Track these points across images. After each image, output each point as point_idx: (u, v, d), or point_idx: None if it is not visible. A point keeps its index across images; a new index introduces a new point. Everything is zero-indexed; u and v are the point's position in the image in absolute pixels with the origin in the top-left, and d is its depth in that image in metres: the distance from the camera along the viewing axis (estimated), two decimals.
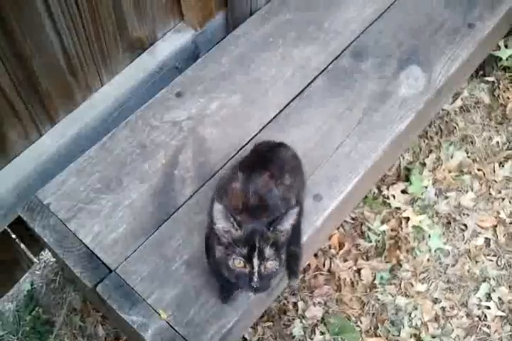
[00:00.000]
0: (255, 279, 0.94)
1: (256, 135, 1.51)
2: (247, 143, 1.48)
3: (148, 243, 1.31)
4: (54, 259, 1.94)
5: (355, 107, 1.57)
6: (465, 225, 2.05)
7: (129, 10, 1.50)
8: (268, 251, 0.95)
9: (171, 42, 1.71)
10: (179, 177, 1.40)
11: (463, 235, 2.03)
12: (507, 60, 2.34)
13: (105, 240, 1.31)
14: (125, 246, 1.30)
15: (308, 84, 1.62)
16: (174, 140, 1.48)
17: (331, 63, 1.66)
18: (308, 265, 1.85)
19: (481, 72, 2.40)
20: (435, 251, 1.97)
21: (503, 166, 2.24)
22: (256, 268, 0.93)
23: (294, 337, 1.78)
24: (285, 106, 1.58)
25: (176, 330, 1.19)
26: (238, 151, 1.45)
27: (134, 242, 1.31)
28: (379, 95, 1.58)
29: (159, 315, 1.20)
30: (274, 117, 1.56)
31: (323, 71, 1.64)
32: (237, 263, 0.94)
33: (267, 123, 1.55)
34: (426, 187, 2.10)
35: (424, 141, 2.27)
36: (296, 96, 1.59)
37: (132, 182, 1.40)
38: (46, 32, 1.28)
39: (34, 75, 1.34)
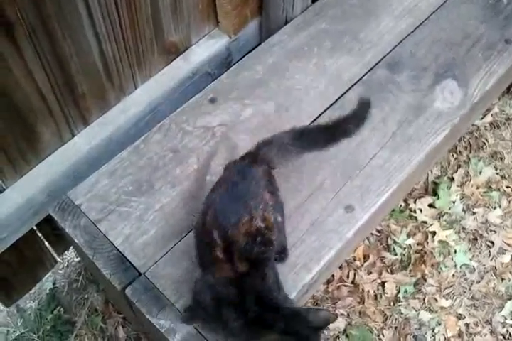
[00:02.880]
0: None
1: None
2: None
3: (178, 247, 1.31)
4: (77, 259, 1.95)
5: (389, 119, 1.56)
6: (492, 242, 2.03)
7: (166, 15, 1.51)
8: None
9: (205, 48, 1.72)
10: (210, 183, 1.40)
11: (489, 252, 2.00)
12: None
13: (135, 243, 1.31)
14: (155, 249, 1.30)
15: (342, 95, 1.61)
16: (207, 145, 1.48)
17: (365, 74, 1.66)
18: (332, 276, 1.84)
19: None
20: (460, 267, 1.94)
21: None
22: None
23: None
24: (318, 116, 1.57)
25: (203, 336, 1.18)
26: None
27: (164, 246, 1.31)
28: (414, 108, 1.57)
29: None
30: None
31: (357, 82, 1.63)
32: None
33: None
34: (453, 202, 2.08)
35: (453, 156, 2.25)
36: (330, 106, 1.59)
37: (164, 186, 1.40)
38: (85, 34, 1.30)
39: (71, 76, 1.35)
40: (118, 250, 1.30)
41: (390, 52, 1.69)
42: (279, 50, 1.69)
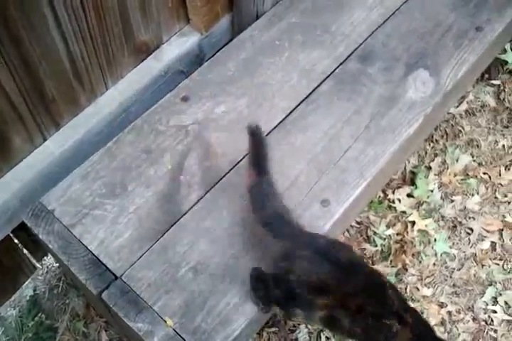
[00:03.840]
0: None
1: None
2: None
3: (154, 249, 1.30)
4: (57, 265, 1.92)
5: (362, 111, 1.56)
6: (471, 229, 2.04)
7: (135, 14, 1.49)
8: None
9: (177, 46, 1.70)
10: (185, 183, 1.39)
11: (469, 239, 2.02)
12: None
13: (110, 246, 1.29)
14: (131, 252, 1.28)
15: (315, 89, 1.60)
16: (180, 145, 1.46)
17: (337, 67, 1.65)
18: None
19: (487, 76, 2.38)
20: (441, 255, 1.95)
21: (508, 170, 2.23)
22: None
23: None
24: (292, 111, 1.56)
25: (182, 338, 1.18)
26: (244, 156, 1.44)
27: (140, 248, 1.29)
28: (386, 99, 1.57)
29: (165, 322, 1.18)
30: (281, 121, 1.55)
31: (329, 75, 1.62)
32: None
33: (274, 128, 1.54)
34: (431, 191, 2.09)
35: (430, 145, 2.26)
36: (303, 100, 1.58)
37: (138, 188, 1.38)
38: (52, 37, 1.27)
39: (39, 80, 1.32)
40: (93, 254, 1.28)
41: (361, 43, 1.69)
42: (251, 46, 1.67)
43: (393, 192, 2.04)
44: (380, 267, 1.87)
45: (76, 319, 1.83)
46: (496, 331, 1.83)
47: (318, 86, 1.61)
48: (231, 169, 1.42)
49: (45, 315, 1.85)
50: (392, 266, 1.89)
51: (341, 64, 1.66)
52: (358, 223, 1.96)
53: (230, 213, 1.35)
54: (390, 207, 2.02)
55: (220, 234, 1.32)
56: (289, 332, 1.81)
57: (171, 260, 1.27)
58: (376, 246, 1.92)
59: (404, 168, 2.16)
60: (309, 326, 1.80)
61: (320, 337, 1.78)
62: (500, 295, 1.90)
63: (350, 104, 1.56)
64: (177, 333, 1.18)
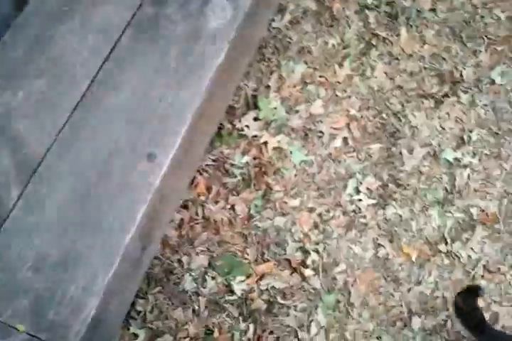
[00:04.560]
0: None
1: (72, 114, 1.48)
2: (64, 125, 1.45)
3: None
4: None
5: (168, 55, 1.54)
6: (321, 132, 2.16)
7: None
8: None
9: None
10: (1, 183, 1.36)
11: (321, 141, 2.14)
12: None
13: None
14: None
15: (115, 46, 1.56)
16: None
17: (132, 17, 1.61)
18: (182, 220, 1.90)
19: None
20: (300, 165, 2.07)
21: (342, 66, 2.33)
22: None
23: (187, 291, 1.86)
24: (96, 73, 1.53)
25: (38, 338, 1.19)
26: (57, 135, 1.42)
27: None
28: (189, 36, 1.55)
29: (17, 330, 1.18)
30: (87, 90, 1.52)
31: (127, 26, 1.58)
32: None
33: (81, 99, 1.51)
34: (275, 108, 2.16)
35: (264, 64, 2.30)
36: (105, 59, 1.55)
37: None
38: None
39: None
40: None
41: None
42: (38, 18, 1.59)
43: (240, 121, 2.10)
44: (244, 195, 1.96)
45: None
46: (364, 217, 2.01)
47: (118, 40, 1.58)
48: (45, 154, 1.40)
49: None
50: (257, 190, 1.99)
51: (135, 13, 1.62)
52: (213, 161, 2.03)
53: (56, 199, 1.35)
54: (240, 135, 2.09)
55: (50, 224, 1.32)
56: (174, 285, 1.89)
57: (6, 266, 1.26)
58: (236, 176, 2.00)
59: (246, 94, 2.21)
60: (192, 273, 1.89)
61: (206, 280, 1.88)
62: (361, 183, 2.06)
63: (155, 50, 1.54)
64: (32, 335, 1.19)
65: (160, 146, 1.44)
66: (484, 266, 1.95)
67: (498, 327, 1.86)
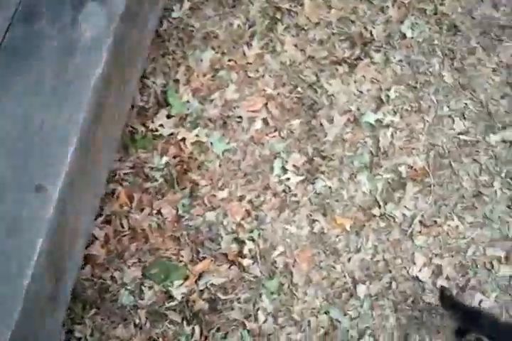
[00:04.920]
0: None
1: None
2: None
3: None
4: None
5: (44, 75, 1.49)
6: (239, 117, 2.13)
7: None
8: None
9: None
10: None
11: (241, 127, 2.12)
12: None
13: None
14: None
15: None
16: None
17: (2, 40, 1.54)
18: (106, 235, 1.86)
19: None
20: (223, 154, 2.05)
21: (251, 46, 2.29)
22: None
23: (125, 306, 1.83)
24: None
25: None
26: None
27: None
28: (65, 50, 1.50)
29: None
30: None
31: None
32: None
33: None
34: (188, 102, 2.13)
35: (169, 58, 2.25)
36: None
37: None
38: None
39: None
40: None
41: (20, 2, 1.56)
42: None
43: (153, 121, 2.06)
44: (170, 197, 1.93)
45: None
46: (295, 195, 2.00)
47: None
48: None
49: None
50: (183, 189, 1.97)
51: (6, 34, 1.55)
52: (131, 168, 1.99)
53: None
54: (156, 136, 2.05)
55: None
56: (111, 303, 1.84)
57: None
58: (157, 180, 1.96)
59: (155, 92, 2.16)
60: (128, 287, 1.85)
61: (143, 291, 1.85)
62: (287, 162, 2.06)
63: (30, 71, 1.48)
64: None
65: (47, 177, 1.37)
66: (420, 222, 1.97)
67: (442, 279, 1.90)
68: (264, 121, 2.14)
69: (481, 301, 1.84)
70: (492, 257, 1.92)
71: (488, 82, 2.35)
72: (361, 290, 1.86)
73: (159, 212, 1.92)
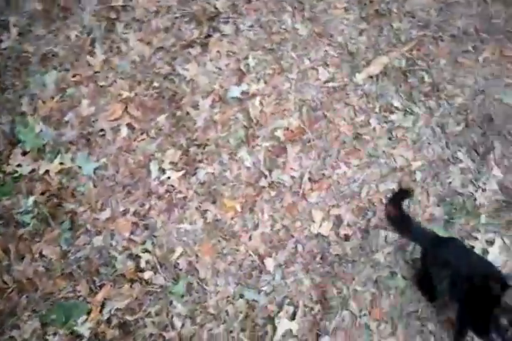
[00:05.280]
0: None
1: None
2: None
3: None
4: None
5: None
6: (102, 130, 2.01)
7: None
8: None
9: None
10: None
11: (107, 140, 2.01)
12: None
13: None
14: None
15: None
16: None
17: None
18: None
19: None
20: (95, 173, 1.93)
21: (94, 53, 2.16)
22: None
23: None
24: None
25: None
26: None
27: None
28: None
29: None
30: None
31: None
32: None
33: None
34: (41, 131, 1.99)
35: (9, 93, 2.11)
36: None
37: None
38: None
39: None
40: None
41: None
42: None
43: (8, 164, 1.90)
44: (48, 236, 1.79)
45: None
46: (180, 191, 1.91)
47: None
48: None
49: None
50: (61, 223, 1.82)
51: None
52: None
53: None
54: (16, 178, 1.89)
55: None
56: None
57: None
58: (29, 223, 1.80)
59: (3, 133, 2.01)
60: None
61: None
62: (163, 161, 1.95)
63: None
64: None
65: None
66: (310, 179, 1.90)
67: (344, 227, 1.84)
68: (129, 126, 2.02)
69: (386, 237, 1.80)
70: (386, 191, 1.87)
71: (342, 22, 2.30)
72: (269, 263, 1.77)
73: (41, 255, 1.77)
